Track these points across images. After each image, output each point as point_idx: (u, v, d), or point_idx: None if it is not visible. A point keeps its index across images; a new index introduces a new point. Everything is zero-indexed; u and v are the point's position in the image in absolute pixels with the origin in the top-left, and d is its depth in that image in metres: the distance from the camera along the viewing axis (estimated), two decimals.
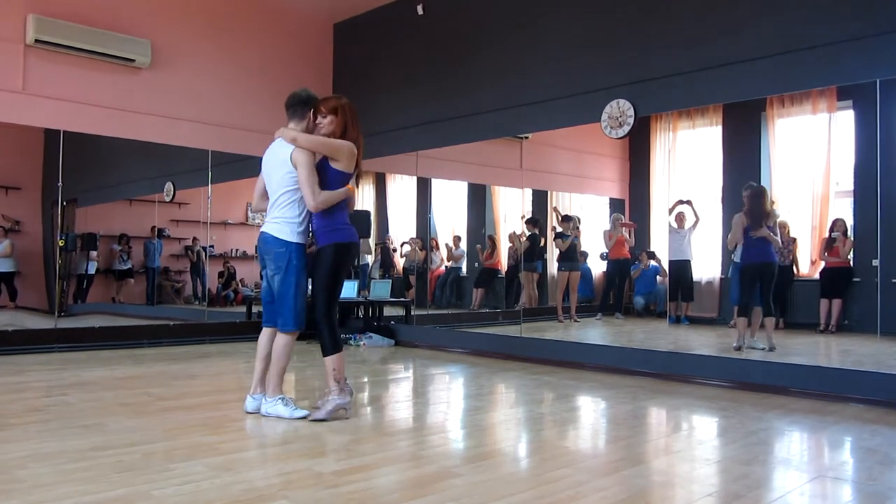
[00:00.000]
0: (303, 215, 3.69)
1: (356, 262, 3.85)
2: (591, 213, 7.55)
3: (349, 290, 7.74)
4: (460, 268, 8.41)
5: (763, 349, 5.33)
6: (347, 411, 3.69)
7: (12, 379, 4.87)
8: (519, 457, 3.23)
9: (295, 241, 3.68)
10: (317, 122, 3.72)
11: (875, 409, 4.20)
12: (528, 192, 7.53)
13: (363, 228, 7.98)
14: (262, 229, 3.77)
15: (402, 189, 8.68)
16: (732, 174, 6.34)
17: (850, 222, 5.53)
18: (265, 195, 3.83)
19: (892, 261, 4.81)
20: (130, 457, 2.90)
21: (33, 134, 6.97)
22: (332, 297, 3.67)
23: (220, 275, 8.78)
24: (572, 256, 7.34)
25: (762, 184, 6.09)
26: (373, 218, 8.46)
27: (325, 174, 3.65)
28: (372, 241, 8.93)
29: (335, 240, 3.66)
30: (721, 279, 6.37)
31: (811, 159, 5.75)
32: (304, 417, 3.62)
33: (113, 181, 7.95)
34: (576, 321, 7.33)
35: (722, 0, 5.30)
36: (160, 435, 3.30)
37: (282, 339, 3.70)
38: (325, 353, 3.65)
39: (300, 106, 3.73)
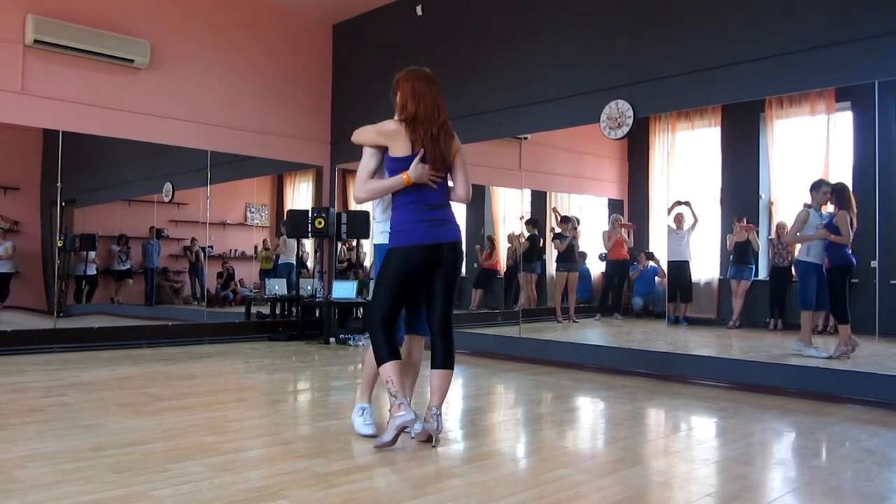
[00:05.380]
0: (386, 213, 3.31)
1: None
2: (589, 214, 7.56)
3: (348, 290, 7.75)
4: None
5: (829, 356, 4.99)
6: (411, 430, 3.13)
7: (11, 379, 4.87)
8: (518, 457, 3.23)
9: (377, 242, 3.40)
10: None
11: (873, 411, 4.21)
12: (527, 193, 7.53)
13: (361, 230, 7.98)
14: None
15: None
16: (731, 175, 6.36)
17: None
18: None
19: (890, 262, 4.81)
20: (129, 457, 2.90)
21: (32, 134, 6.97)
22: (374, 305, 3.17)
23: (219, 275, 8.78)
24: (571, 257, 7.35)
25: (760, 184, 6.12)
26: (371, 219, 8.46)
27: (387, 166, 3.19)
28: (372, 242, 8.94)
29: (387, 244, 3.22)
30: (720, 280, 6.39)
31: (810, 160, 5.76)
32: (368, 436, 3.24)
33: (112, 182, 7.95)
34: (574, 322, 7.34)
35: (721, 1, 5.31)
36: (159, 435, 3.30)
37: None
38: (377, 363, 3.18)
39: (391, 96, 3.32)
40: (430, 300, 3.23)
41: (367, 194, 3.19)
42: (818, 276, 5.15)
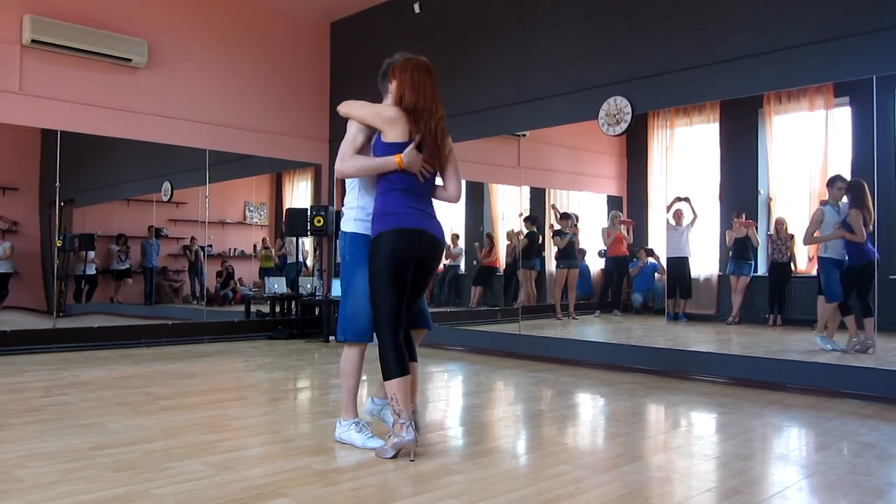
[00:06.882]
0: (362, 199, 3.12)
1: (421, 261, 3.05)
2: (588, 211, 7.56)
3: None
4: (458, 266, 8.41)
5: (844, 350, 4.98)
6: (411, 453, 2.90)
7: (11, 379, 4.87)
8: (518, 453, 3.23)
9: (350, 230, 3.13)
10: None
11: (872, 405, 4.22)
12: (526, 190, 7.53)
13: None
14: None
15: None
16: (730, 171, 6.35)
17: None
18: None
19: (889, 257, 4.82)
20: (129, 456, 2.90)
21: (30, 134, 6.96)
22: (375, 304, 2.99)
23: (219, 274, 8.78)
24: (571, 254, 7.35)
25: (759, 180, 6.11)
26: None
27: (375, 150, 3.06)
28: None
29: (372, 231, 3.04)
30: (719, 276, 6.39)
31: (808, 156, 5.76)
32: (374, 448, 3.01)
33: (110, 181, 7.94)
34: (574, 318, 7.34)
35: None
36: (159, 434, 3.30)
37: (343, 353, 3.19)
38: (383, 376, 2.98)
39: (381, 80, 3.22)
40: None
41: (353, 170, 3.04)
42: (840, 270, 5.11)
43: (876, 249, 4.71)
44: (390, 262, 2.93)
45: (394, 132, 3.00)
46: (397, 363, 2.92)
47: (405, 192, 3.01)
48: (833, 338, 5.07)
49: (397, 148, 2.98)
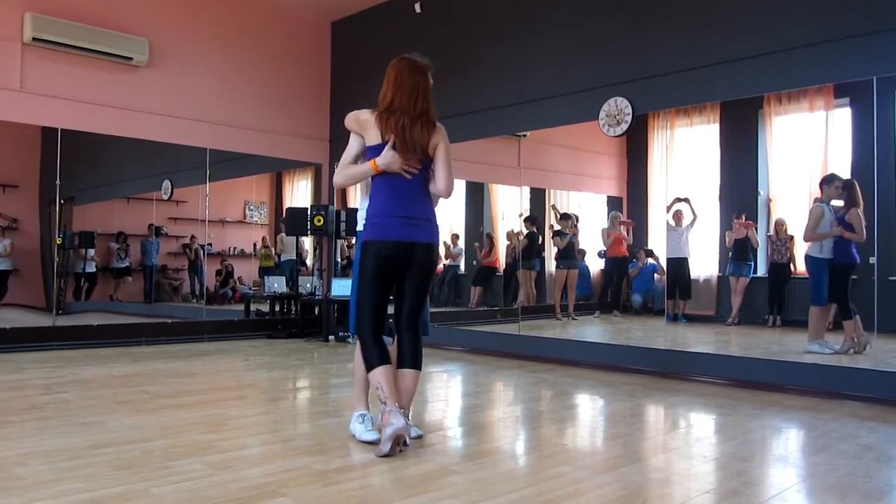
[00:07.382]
0: (365, 202, 3.23)
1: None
2: (588, 211, 7.57)
3: (347, 288, 7.74)
4: (458, 266, 8.42)
5: (837, 351, 4.99)
6: (405, 439, 2.97)
7: (11, 377, 4.87)
8: (517, 454, 3.24)
9: (359, 229, 3.26)
10: None
11: (871, 407, 4.22)
12: (526, 190, 7.53)
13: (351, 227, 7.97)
14: None
15: None
16: (730, 172, 6.36)
17: None
18: None
19: (889, 258, 4.82)
20: (129, 454, 2.90)
21: (31, 132, 6.96)
22: (357, 304, 3.11)
23: (218, 273, 8.78)
24: (570, 254, 7.36)
25: (759, 181, 6.12)
26: None
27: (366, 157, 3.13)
28: None
29: (361, 236, 3.13)
30: (718, 277, 6.39)
31: (808, 157, 5.77)
32: (370, 442, 3.06)
33: (110, 179, 7.95)
34: (574, 319, 7.35)
35: None
36: (159, 433, 3.30)
37: (356, 346, 3.27)
38: (366, 368, 3.05)
39: None
40: (399, 297, 3.14)
41: (341, 180, 3.15)
42: (830, 272, 5.10)
43: (876, 249, 4.71)
44: (371, 271, 3.03)
45: (371, 135, 3.05)
46: (378, 356, 3.00)
47: (389, 197, 3.04)
48: (825, 338, 5.07)
49: (377, 151, 3.02)
